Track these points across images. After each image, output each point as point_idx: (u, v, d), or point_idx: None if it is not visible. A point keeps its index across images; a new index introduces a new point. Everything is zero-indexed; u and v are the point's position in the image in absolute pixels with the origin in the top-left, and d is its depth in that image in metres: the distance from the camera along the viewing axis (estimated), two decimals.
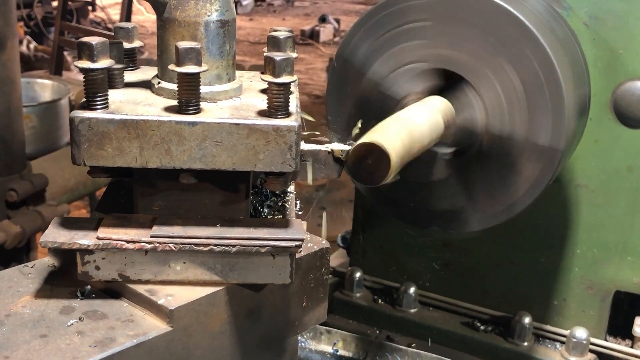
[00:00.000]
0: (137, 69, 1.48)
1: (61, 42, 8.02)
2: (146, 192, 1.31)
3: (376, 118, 1.67)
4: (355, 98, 1.83)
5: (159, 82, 1.33)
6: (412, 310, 2.46)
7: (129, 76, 1.41)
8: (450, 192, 1.77)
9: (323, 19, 12.49)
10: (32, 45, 8.47)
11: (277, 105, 1.23)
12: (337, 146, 1.46)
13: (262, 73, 1.24)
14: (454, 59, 1.70)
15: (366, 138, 1.43)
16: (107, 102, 1.23)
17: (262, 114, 1.25)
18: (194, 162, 1.23)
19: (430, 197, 1.78)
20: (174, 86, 1.29)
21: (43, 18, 9.32)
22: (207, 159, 1.23)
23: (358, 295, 2.52)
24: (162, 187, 1.31)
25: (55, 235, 1.25)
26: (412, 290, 2.45)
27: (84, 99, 1.23)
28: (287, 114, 1.24)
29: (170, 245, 1.26)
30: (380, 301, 2.51)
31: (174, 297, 1.25)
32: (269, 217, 1.41)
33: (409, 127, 1.55)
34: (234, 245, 1.26)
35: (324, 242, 1.46)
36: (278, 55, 1.22)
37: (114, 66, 1.26)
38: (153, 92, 1.33)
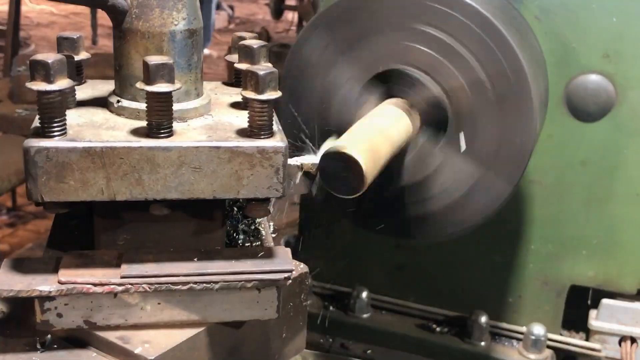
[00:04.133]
0: (84, 83, 1.32)
1: None
2: (109, 225, 1.16)
3: (336, 125, 1.59)
4: (312, 104, 1.72)
5: (118, 101, 1.17)
6: (365, 315, 2.36)
7: (78, 92, 1.25)
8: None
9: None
10: None
11: (260, 125, 1.10)
12: (307, 159, 1.34)
13: (243, 89, 1.11)
14: (403, 58, 1.62)
15: (332, 147, 1.33)
16: (65, 128, 1.07)
17: (242, 134, 1.12)
18: (169, 191, 1.09)
19: (406, 204, 1.68)
20: (137, 105, 1.14)
21: None
22: (184, 188, 1.09)
23: (307, 302, 2.41)
24: (127, 219, 1.16)
25: (9, 281, 1.09)
26: (364, 294, 2.36)
27: (38, 125, 1.06)
28: (271, 134, 1.12)
29: (144, 286, 1.11)
30: (331, 307, 2.40)
31: (152, 344, 1.11)
32: (245, 244, 1.28)
33: (377, 129, 1.47)
34: (216, 282, 1.13)
35: (302, 266, 1.34)
36: (261, 69, 1.09)
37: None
38: (112, 112, 1.18)
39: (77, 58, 1.28)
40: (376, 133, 1.46)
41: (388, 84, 1.65)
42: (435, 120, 1.63)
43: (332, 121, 1.67)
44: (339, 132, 1.47)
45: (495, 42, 1.55)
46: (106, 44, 8.52)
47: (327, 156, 1.30)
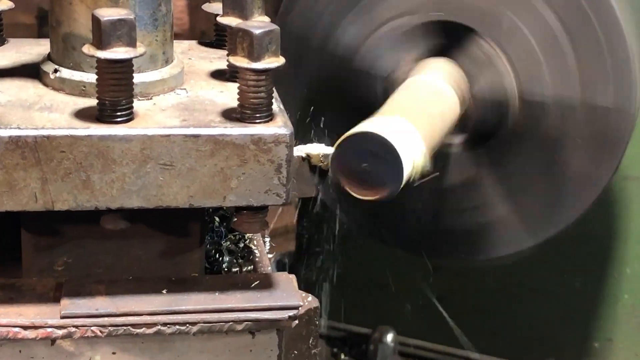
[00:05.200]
0: (5, 43, 1.35)
1: None
2: (44, 244, 1.20)
3: (351, 105, 1.62)
4: (315, 79, 1.75)
5: (56, 70, 1.20)
6: None
7: None
8: (473, 202, 1.71)
9: None
10: None
11: (255, 104, 1.13)
12: (316, 148, 1.35)
13: (231, 53, 1.14)
14: (458, 5, 1.66)
15: (348, 132, 1.36)
16: None
17: (229, 116, 1.15)
18: (128, 197, 1.11)
19: (443, 213, 1.72)
20: (83, 76, 1.18)
21: None
22: (149, 193, 1.12)
23: (317, 350, 2.45)
24: (69, 235, 1.20)
25: None
26: (389, 337, 2.40)
27: None
28: (270, 116, 1.15)
29: (93, 328, 1.14)
30: (343, 355, 2.45)
31: None
32: (233, 269, 1.32)
33: (422, 105, 1.50)
34: (193, 323, 1.16)
35: (310, 298, 1.37)
36: (257, 27, 1.11)
37: None
38: (47, 86, 1.21)
39: None
40: (423, 110, 1.49)
41: (426, 41, 1.68)
42: (482, 125, 1.67)
43: (350, 98, 1.70)
44: (362, 111, 1.49)
45: (608, 39, 1.57)
46: None
47: (347, 141, 1.32)
